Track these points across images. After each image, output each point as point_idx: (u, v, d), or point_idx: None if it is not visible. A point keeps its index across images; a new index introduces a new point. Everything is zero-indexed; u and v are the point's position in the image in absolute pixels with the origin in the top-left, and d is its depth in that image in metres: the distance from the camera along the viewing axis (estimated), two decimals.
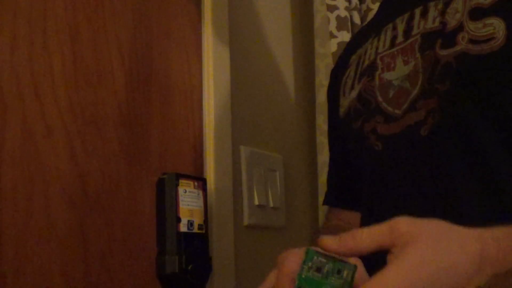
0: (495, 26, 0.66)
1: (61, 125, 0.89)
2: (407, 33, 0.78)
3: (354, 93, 0.85)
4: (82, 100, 0.93)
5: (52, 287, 0.85)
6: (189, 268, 0.92)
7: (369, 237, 0.53)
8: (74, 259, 0.89)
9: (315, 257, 0.54)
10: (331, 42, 1.40)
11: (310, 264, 0.54)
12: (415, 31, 0.77)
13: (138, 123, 1.01)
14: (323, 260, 0.54)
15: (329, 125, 1.01)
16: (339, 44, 1.39)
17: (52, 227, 0.86)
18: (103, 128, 0.95)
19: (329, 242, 0.54)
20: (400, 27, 0.80)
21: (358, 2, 1.45)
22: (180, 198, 0.95)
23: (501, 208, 0.65)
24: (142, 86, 1.03)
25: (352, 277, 0.53)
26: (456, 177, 0.68)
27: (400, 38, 0.79)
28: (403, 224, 0.53)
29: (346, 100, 0.88)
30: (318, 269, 0.53)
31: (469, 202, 0.67)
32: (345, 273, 0.53)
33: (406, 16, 0.80)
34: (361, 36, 0.95)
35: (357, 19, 1.43)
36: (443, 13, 0.73)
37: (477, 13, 0.69)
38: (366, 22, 1.31)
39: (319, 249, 0.55)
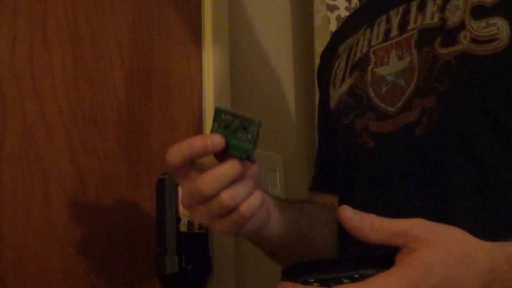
0: (499, 26, 0.65)
1: (61, 125, 0.89)
2: (402, 27, 0.76)
3: (345, 87, 0.83)
4: (82, 100, 0.93)
5: (52, 287, 0.85)
6: (189, 268, 0.92)
7: (384, 232, 0.53)
8: (74, 259, 0.89)
9: (223, 115, 0.58)
10: None
11: (219, 122, 0.58)
12: (411, 25, 0.75)
13: (138, 123, 1.01)
14: (230, 118, 0.58)
15: (319, 111, 0.99)
16: None
17: (52, 227, 0.86)
18: (103, 128, 0.95)
19: (349, 213, 0.54)
20: (395, 20, 0.78)
21: (358, 2, 1.45)
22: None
23: (496, 209, 0.65)
24: (142, 86, 1.03)
25: (257, 133, 0.58)
26: (451, 178, 0.67)
27: (394, 32, 0.77)
28: (421, 229, 0.53)
29: (337, 93, 0.85)
30: (226, 126, 0.58)
31: (464, 203, 0.66)
32: (250, 129, 0.58)
33: (401, 8, 0.77)
34: (350, 25, 0.92)
35: None
36: (442, 9, 0.72)
37: (479, 12, 0.67)
38: (354, 9, 1.28)
39: (226, 108, 0.59)
